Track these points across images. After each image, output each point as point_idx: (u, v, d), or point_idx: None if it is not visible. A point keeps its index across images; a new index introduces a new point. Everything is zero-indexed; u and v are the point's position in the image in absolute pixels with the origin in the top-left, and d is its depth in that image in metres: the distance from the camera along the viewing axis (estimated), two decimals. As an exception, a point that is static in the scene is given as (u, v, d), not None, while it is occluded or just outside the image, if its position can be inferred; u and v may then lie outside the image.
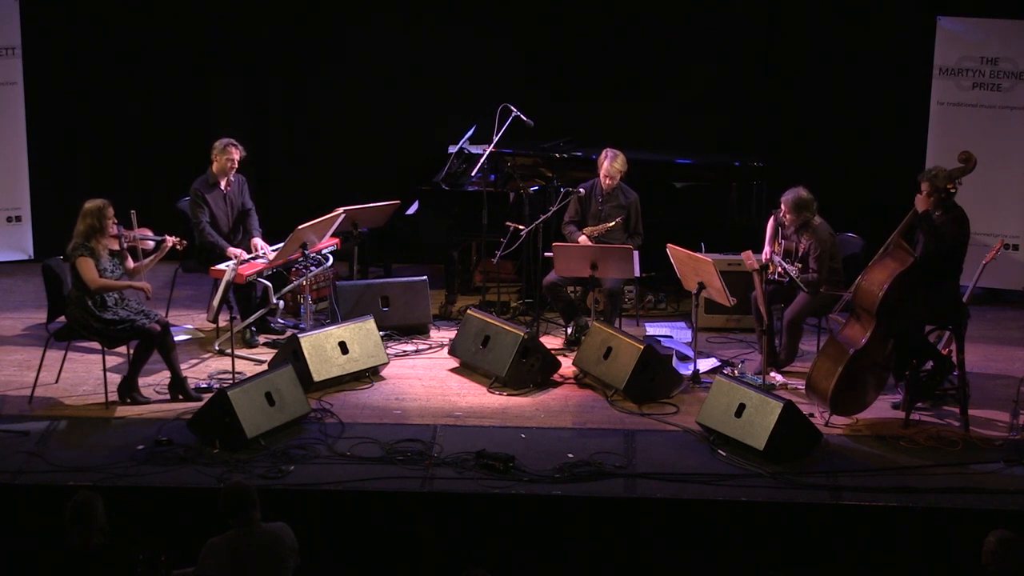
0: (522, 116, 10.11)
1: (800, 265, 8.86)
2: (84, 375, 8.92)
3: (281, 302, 9.39)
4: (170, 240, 8.79)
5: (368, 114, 11.56)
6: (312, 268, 9.41)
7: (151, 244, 8.77)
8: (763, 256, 9.01)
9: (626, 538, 7.38)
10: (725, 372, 8.94)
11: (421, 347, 9.64)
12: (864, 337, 8.15)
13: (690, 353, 9.16)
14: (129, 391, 8.50)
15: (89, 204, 8.38)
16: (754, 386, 8.20)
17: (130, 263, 8.61)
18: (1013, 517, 7.05)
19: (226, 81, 11.57)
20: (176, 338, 8.80)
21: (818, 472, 7.67)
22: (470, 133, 10.55)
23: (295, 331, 9.22)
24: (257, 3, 11.46)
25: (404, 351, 9.54)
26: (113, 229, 8.42)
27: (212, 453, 7.76)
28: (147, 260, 8.68)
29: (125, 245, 8.56)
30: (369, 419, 8.37)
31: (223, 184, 9.66)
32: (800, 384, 8.66)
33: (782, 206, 8.93)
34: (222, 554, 6.22)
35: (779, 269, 8.86)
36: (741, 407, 7.90)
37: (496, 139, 10.14)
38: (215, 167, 9.62)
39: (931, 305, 8.19)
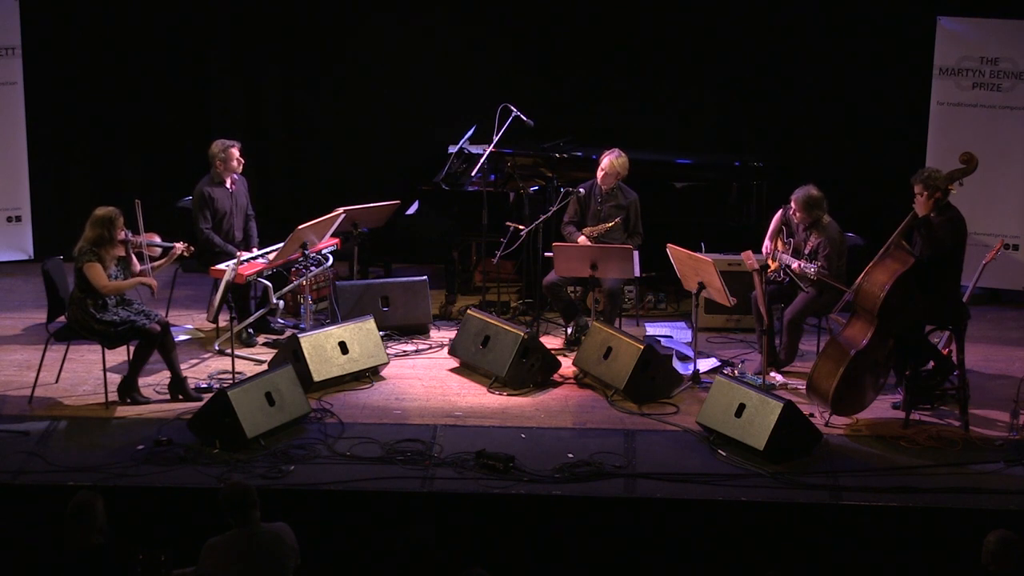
0: (522, 116, 10.11)
1: (816, 263, 8.79)
2: (84, 375, 8.92)
3: (281, 302, 9.39)
4: (179, 247, 8.79)
5: (368, 114, 11.56)
6: (312, 268, 9.41)
7: (158, 251, 8.76)
8: (764, 251, 9.00)
9: (626, 538, 7.38)
10: (725, 372, 8.93)
11: (421, 347, 9.63)
12: (865, 338, 8.15)
13: (690, 353, 9.16)
14: (129, 391, 8.49)
15: (100, 212, 8.34)
16: (754, 386, 8.20)
17: (136, 266, 8.59)
18: (1013, 517, 7.05)
19: (226, 81, 11.57)
20: (176, 338, 8.81)
21: (818, 472, 7.67)
22: (470, 133, 10.55)
23: (295, 331, 9.22)
24: (257, 3, 11.46)
25: (404, 351, 9.54)
26: (121, 235, 8.40)
27: (212, 453, 7.76)
28: (155, 264, 8.67)
29: (132, 251, 8.55)
30: (369, 419, 8.37)
31: (228, 183, 9.67)
32: (800, 384, 8.67)
33: (792, 204, 8.92)
34: (222, 554, 6.23)
35: (782, 267, 8.84)
36: (741, 407, 7.90)
37: (496, 139, 10.14)
38: (220, 169, 9.62)
39: (931, 305, 8.20)
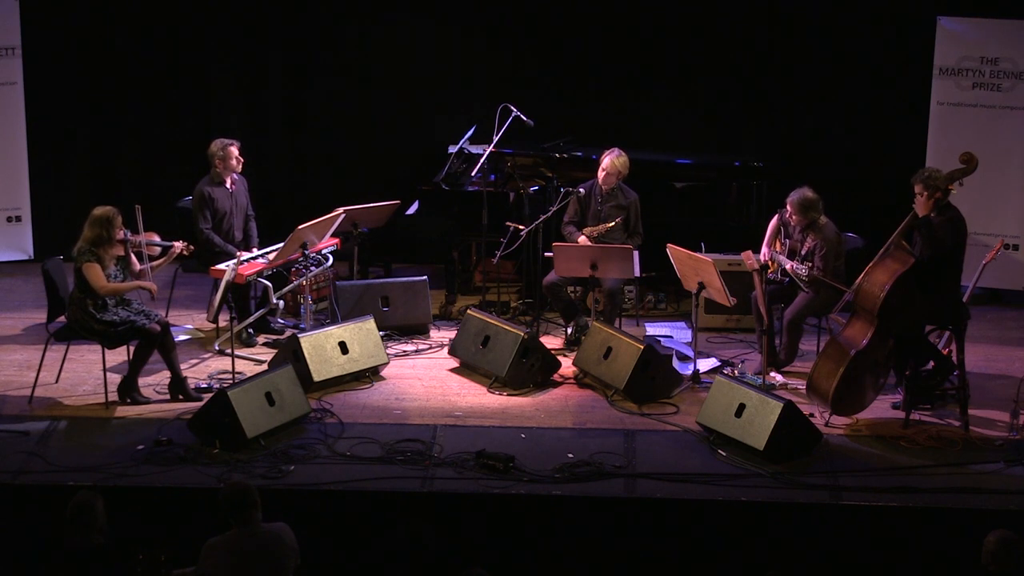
0: (522, 116, 10.11)
1: (808, 264, 8.79)
2: (84, 375, 8.92)
3: (281, 302, 9.39)
4: (178, 246, 8.79)
5: (368, 114, 11.56)
6: (312, 268, 9.41)
7: (158, 250, 8.76)
8: (762, 256, 9.01)
9: (626, 538, 7.38)
10: (725, 372, 8.93)
11: (421, 347, 9.63)
12: (865, 338, 8.15)
13: (690, 353, 9.15)
14: (129, 391, 8.49)
15: (98, 211, 8.34)
16: (754, 386, 8.20)
17: (136, 266, 8.58)
18: (1013, 517, 7.05)
19: (226, 81, 11.57)
20: (176, 338, 8.81)
21: (818, 472, 7.67)
22: (470, 133, 10.55)
23: (295, 331, 9.22)
24: (257, 3, 11.46)
25: (404, 351, 9.54)
26: (120, 235, 8.40)
27: (212, 453, 7.75)
28: (154, 263, 8.66)
29: (131, 250, 8.55)
30: (369, 419, 8.37)
31: (228, 183, 9.67)
32: (800, 384, 8.67)
33: (788, 207, 8.92)
34: (222, 554, 6.22)
35: (780, 267, 8.86)
36: (741, 407, 7.90)
37: (496, 139, 10.14)
38: (219, 168, 9.62)
39: (931, 305, 8.19)
